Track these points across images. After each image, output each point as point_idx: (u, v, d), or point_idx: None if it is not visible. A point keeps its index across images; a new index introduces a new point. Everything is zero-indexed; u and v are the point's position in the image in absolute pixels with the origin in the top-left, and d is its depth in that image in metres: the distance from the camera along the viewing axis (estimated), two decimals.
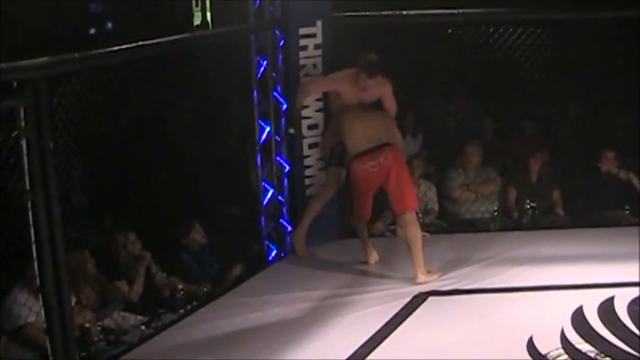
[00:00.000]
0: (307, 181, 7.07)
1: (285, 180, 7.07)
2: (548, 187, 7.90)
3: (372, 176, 6.47)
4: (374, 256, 6.84)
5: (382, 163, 6.42)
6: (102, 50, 5.44)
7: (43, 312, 4.97)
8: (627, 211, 7.58)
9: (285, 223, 7.10)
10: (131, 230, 6.47)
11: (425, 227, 7.34)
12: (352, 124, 6.54)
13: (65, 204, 5.63)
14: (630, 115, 8.97)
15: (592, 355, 5.16)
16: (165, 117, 9.06)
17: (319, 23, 6.92)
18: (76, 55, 5.16)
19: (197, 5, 15.40)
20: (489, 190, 7.85)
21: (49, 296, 4.92)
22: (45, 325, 5.00)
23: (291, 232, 7.04)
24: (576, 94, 9.24)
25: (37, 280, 4.92)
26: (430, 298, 6.12)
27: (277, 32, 6.88)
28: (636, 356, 5.11)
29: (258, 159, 6.97)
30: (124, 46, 5.55)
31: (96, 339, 5.69)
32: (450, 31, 8.77)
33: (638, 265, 6.38)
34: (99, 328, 5.80)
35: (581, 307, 5.75)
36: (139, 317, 6.09)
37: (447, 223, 7.68)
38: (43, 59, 4.86)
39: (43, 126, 4.83)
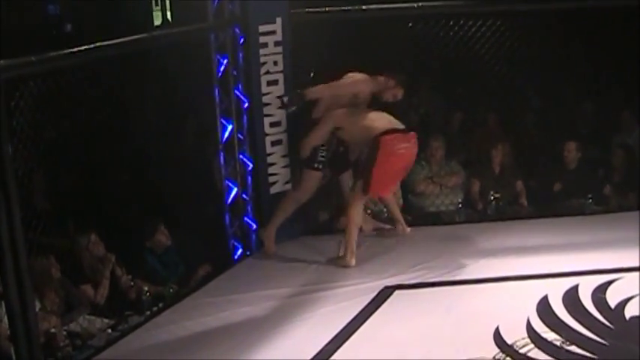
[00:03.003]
0: (271, 179, 7.05)
1: (249, 178, 7.06)
2: (511, 178, 7.95)
3: (405, 157, 6.60)
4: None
5: (412, 147, 6.59)
6: (60, 52, 5.39)
7: (6, 319, 4.92)
8: (590, 200, 7.65)
9: (249, 221, 7.09)
10: (93, 231, 6.42)
11: (390, 221, 7.36)
12: (360, 112, 6.70)
13: (27, 209, 5.57)
14: (591, 105, 9.07)
15: (558, 343, 5.19)
16: (126, 118, 8.99)
17: (279, 20, 6.90)
18: (34, 57, 5.10)
19: (157, 5, 15.32)
20: (453, 183, 7.89)
21: (13, 303, 4.87)
22: (9, 332, 4.94)
23: (260, 229, 7.01)
24: (538, 85, 9.30)
25: (0, 286, 4.86)
26: (396, 292, 6.13)
27: (237, 30, 6.85)
28: (601, 343, 5.16)
29: (221, 157, 6.95)
30: (83, 48, 5.51)
31: (62, 344, 5.64)
32: (410, 24, 8.78)
33: (601, 253, 6.47)
34: (65, 333, 5.74)
35: (546, 297, 5.79)
36: (105, 320, 6.05)
37: (412, 216, 7.69)
38: (0, 62, 4.80)
39: (1, 130, 4.78)
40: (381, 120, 6.67)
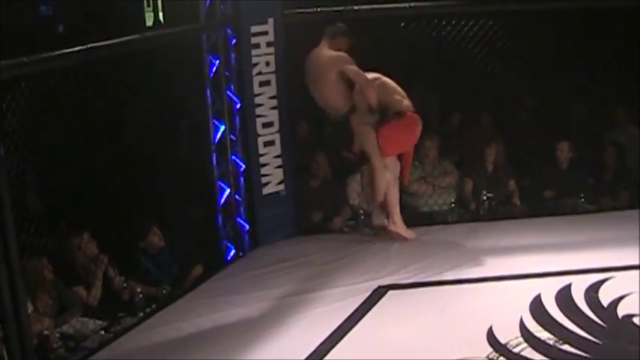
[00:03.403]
0: (263, 180, 7.05)
1: (241, 179, 7.05)
2: (504, 177, 7.95)
3: (414, 138, 6.96)
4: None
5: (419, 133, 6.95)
6: (53, 53, 5.39)
7: None
8: (582, 199, 7.66)
9: (242, 222, 7.08)
10: (86, 231, 6.41)
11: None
12: (385, 82, 6.92)
13: (19, 210, 5.56)
14: (584, 103, 9.09)
15: (551, 342, 5.21)
16: (119, 118, 8.98)
17: (271, 21, 6.91)
18: (26, 59, 5.10)
19: (149, 5, 15.30)
20: (446, 183, 7.88)
21: (5, 304, 4.87)
22: (2, 334, 4.93)
23: (390, 227, 7.02)
24: (529, 84, 9.31)
25: None
26: (390, 292, 6.13)
27: (229, 31, 6.85)
28: (594, 342, 5.17)
29: (214, 158, 6.94)
30: (75, 49, 5.51)
31: (55, 346, 5.63)
32: (402, 24, 8.78)
33: (593, 252, 6.49)
34: (58, 335, 5.73)
35: (539, 296, 5.80)
36: (98, 322, 6.03)
37: (405, 216, 7.68)
38: None
39: None
40: (407, 99, 6.88)
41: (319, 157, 7.65)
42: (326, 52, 6.78)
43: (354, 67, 6.71)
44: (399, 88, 6.88)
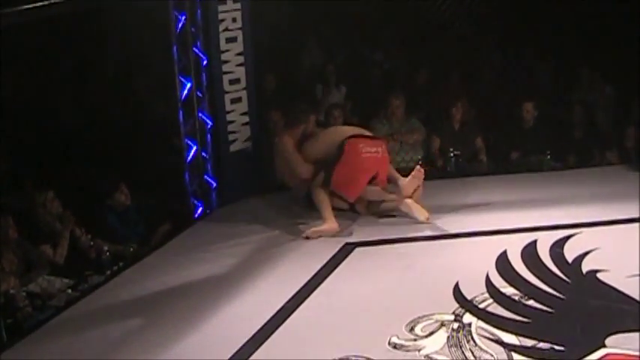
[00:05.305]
0: (230, 137, 7.02)
1: (209, 136, 7.02)
2: (471, 134, 7.97)
3: (370, 161, 6.61)
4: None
5: (380, 153, 6.65)
6: (14, 8, 5.28)
7: None
8: (548, 157, 7.70)
9: (209, 179, 7.06)
10: (50, 189, 6.36)
11: None
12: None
13: None
14: (550, 63, 9.10)
15: (516, 297, 5.25)
16: (84, 76, 8.87)
17: None
18: None
19: None
20: (414, 139, 7.89)
21: None
22: None
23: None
24: (498, 42, 9.29)
25: None
26: (357, 249, 6.16)
27: None
28: (558, 297, 5.23)
29: (181, 115, 6.89)
30: (38, 4, 5.40)
31: (21, 305, 5.60)
32: None
33: (559, 209, 6.55)
34: (24, 294, 5.70)
35: (505, 252, 5.84)
36: (65, 280, 6.00)
37: None
38: None
39: None
40: (348, 128, 6.83)
41: (274, 114, 7.59)
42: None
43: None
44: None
